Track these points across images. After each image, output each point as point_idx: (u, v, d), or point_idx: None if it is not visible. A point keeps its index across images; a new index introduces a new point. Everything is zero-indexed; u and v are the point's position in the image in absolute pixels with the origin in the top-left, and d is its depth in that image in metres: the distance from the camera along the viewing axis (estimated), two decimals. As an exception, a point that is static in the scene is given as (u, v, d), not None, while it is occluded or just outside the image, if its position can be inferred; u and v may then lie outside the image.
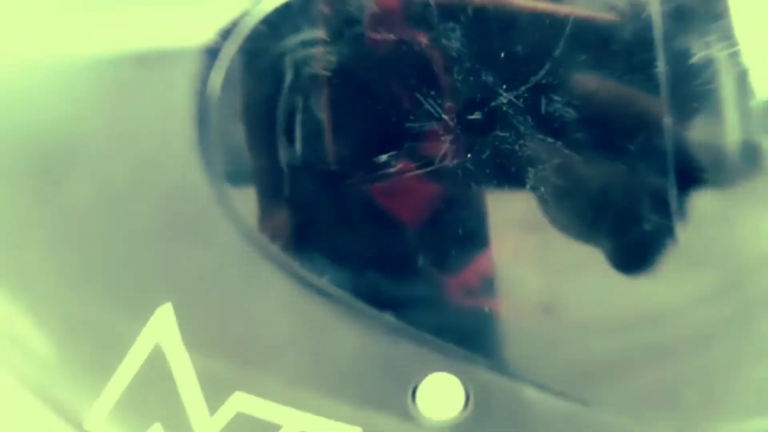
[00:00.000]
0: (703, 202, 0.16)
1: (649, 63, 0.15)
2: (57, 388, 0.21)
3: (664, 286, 0.17)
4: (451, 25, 0.14)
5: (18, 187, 0.18)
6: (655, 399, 0.18)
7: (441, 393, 0.17)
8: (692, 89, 0.15)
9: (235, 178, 0.15)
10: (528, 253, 0.16)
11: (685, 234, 0.16)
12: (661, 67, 0.14)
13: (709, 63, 0.15)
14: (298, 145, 0.15)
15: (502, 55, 0.14)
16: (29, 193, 0.17)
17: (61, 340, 0.20)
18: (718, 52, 0.15)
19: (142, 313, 0.17)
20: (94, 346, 0.19)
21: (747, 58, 0.16)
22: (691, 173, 0.16)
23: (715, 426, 0.18)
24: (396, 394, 0.17)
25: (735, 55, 0.15)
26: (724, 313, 0.18)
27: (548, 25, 0.15)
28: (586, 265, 0.16)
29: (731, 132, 0.15)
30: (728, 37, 0.15)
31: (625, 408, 0.17)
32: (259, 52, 0.15)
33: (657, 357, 0.17)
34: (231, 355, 0.18)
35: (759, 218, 0.17)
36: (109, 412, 0.21)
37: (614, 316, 0.17)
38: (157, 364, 0.18)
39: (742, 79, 0.15)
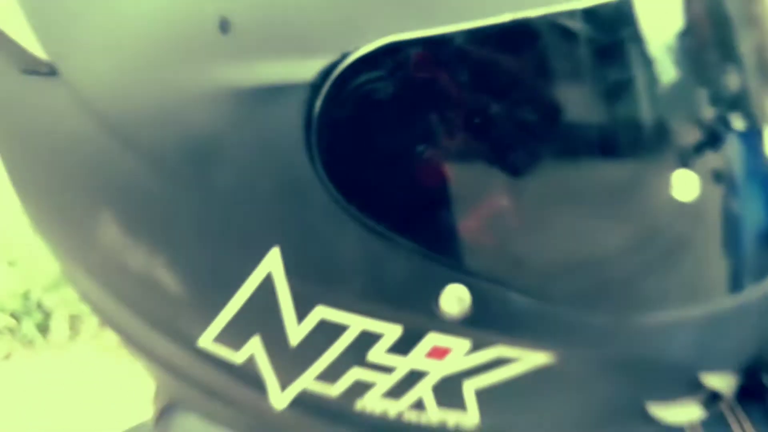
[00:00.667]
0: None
1: None
2: (180, 319, 0.30)
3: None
4: None
5: (173, 174, 0.26)
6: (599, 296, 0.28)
7: (455, 298, 0.27)
8: None
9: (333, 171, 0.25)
10: None
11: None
12: None
13: None
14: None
15: None
16: (182, 177, 0.26)
17: (192, 282, 0.28)
18: None
19: (258, 256, 0.27)
20: (216, 284, 0.28)
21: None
22: None
23: (645, 314, 0.29)
24: (425, 301, 0.27)
25: None
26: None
27: None
28: None
29: None
30: None
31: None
32: (353, 88, 0.24)
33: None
34: (317, 281, 0.27)
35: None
36: (219, 331, 0.30)
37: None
38: (263, 292, 0.28)
39: None
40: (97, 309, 0.34)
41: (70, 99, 0.26)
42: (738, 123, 0.30)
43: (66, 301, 1.83)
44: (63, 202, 0.30)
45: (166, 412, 0.41)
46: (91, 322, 1.83)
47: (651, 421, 0.34)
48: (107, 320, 0.34)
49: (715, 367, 0.34)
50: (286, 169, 0.25)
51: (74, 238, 0.31)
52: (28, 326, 1.82)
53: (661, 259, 0.28)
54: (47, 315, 1.84)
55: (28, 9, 0.28)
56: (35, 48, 0.27)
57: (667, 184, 0.26)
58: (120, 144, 0.26)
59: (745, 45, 0.31)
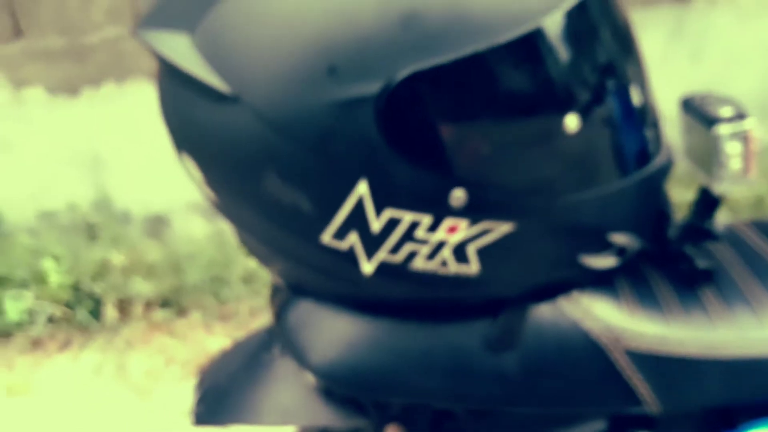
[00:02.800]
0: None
1: None
2: (311, 226, 0.53)
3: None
4: None
5: (309, 148, 0.50)
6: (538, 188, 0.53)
7: (457, 197, 0.51)
8: None
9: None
10: None
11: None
12: None
13: None
14: None
15: None
16: (314, 149, 0.50)
17: (319, 202, 0.52)
18: None
19: (354, 184, 0.50)
20: (332, 202, 0.52)
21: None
22: None
23: (568, 196, 0.53)
24: (443, 200, 0.51)
25: None
26: None
27: None
28: None
29: None
30: None
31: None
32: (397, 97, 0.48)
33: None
34: (387, 195, 0.51)
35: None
36: (333, 231, 0.53)
37: None
38: (359, 204, 0.51)
39: None
40: (247, 229, 0.58)
41: (250, 115, 0.50)
42: (610, 81, 0.54)
43: (113, 287, 2.08)
44: (240, 176, 0.53)
45: (282, 301, 0.65)
46: (138, 304, 2.08)
47: (584, 268, 0.59)
48: (255, 234, 0.57)
49: (618, 228, 0.58)
50: (367, 139, 0.49)
51: (246, 193, 0.54)
52: (82, 313, 2.07)
53: (571, 163, 0.52)
54: (98, 302, 2.09)
55: (206, 54, 0.51)
56: (217, 83, 0.51)
57: (561, 123, 0.51)
58: (281, 137, 0.50)
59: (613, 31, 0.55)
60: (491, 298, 0.58)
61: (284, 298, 0.64)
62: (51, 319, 2.06)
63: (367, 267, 0.54)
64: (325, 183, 0.51)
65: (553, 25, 0.51)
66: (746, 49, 2.49)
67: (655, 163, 0.59)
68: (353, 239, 0.53)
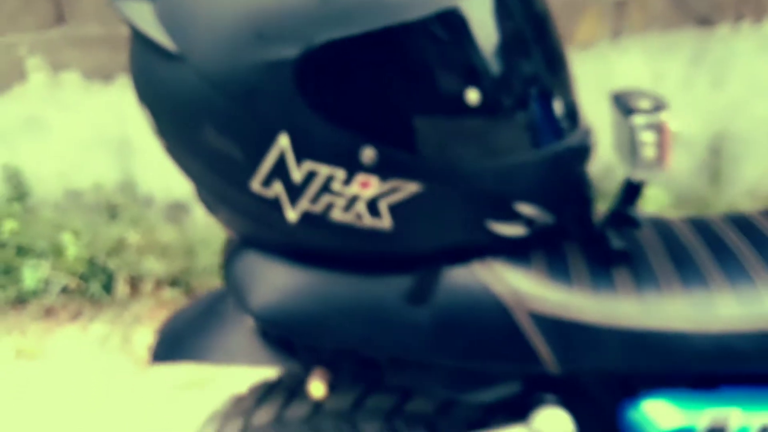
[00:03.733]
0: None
1: None
2: (240, 174, 0.61)
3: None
4: None
5: (241, 102, 0.58)
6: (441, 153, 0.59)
7: (368, 154, 0.58)
8: None
9: None
10: None
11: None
12: None
13: None
14: None
15: None
16: (245, 102, 0.58)
17: (247, 151, 0.60)
18: None
19: (276, 136, 0.58)
20: (258, 151, 0.59)
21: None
22: None
23: (474, 162, 0.60)
24: (354, 156, 0.58)
25: None
26: None
27: None
28: None
29: None
30: None
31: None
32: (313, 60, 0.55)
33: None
34: (305, 148, 0.58)
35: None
36: (260, 179, 0.61)
37: None
38: (281, 155, 0.59)
39: None
40: (194, 177, 0.66)
41: (192, 72, 0.58)
42: (516, 63, 0.61)
43: (126, 264, 2.19)
44: (184, 125, 0.61)
45: (231, 250, 0.72)
46: (149, 281, 2.18)
47: (494, 234, 0.65)
48: (200, 183, 0.65)
49: (524, 199, 0.64)
50: (287, 97, 0.56)
51: (189, 141, 0.62)
52: (95, 287, 2.18)
53: (472, 133, 0.59)
54: (110, 277, 2.20)
55: (162, 19, 0.60)
56: (168, 43, 0.59)
57: (462, 96, 0.58)
58: (216, 91, 0.57)
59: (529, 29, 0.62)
60: (406, 254, 0.64)
61: (231, 249, 0.72)
62: (65, 290, 2.17)
63: (291, 214, 0.61)
64: (251, 134, 0.58)
65: (459, 7, 0.58)
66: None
67: (563, 142, 0.65)
68: (278, 188, 0.60)
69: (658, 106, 0.66)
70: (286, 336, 0.70)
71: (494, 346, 0.65)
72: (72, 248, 2.18)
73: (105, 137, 2.43)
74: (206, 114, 0.58)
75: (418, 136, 0.58)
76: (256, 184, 0.61)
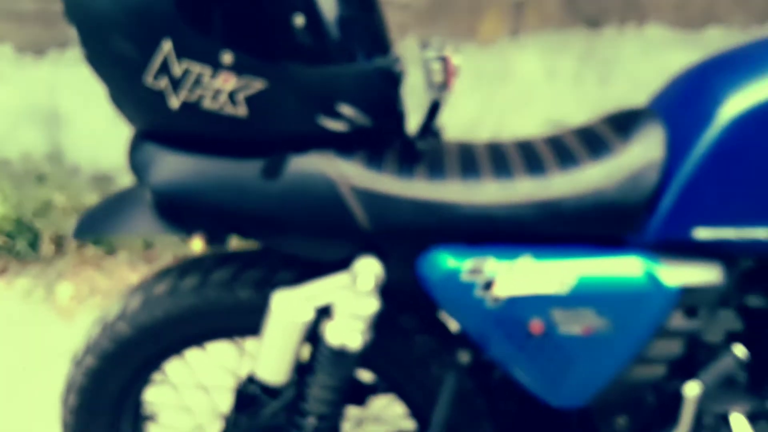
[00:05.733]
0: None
1: None
2: (141, 74, 0.87)
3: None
4: None
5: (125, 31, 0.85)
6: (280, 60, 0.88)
7: (227, 58, 0.86)
8: None
9: None
10: None
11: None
12: None
13: None
14: None
15: None
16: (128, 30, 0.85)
17: (141, 56, 0.86)
18: None
19: (161, 41, 0.85)
20: (150, 54, 0.86)
21: None
22: None
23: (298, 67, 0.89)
24: (216, 55, 0.86)
25: None
26: None
27: None
28: None
29: None
30: None
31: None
32: None
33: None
34: (182, 50, 0.86)
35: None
36: (152, 73, 0.87)
37: None
38: (168, 56, 0.86)
39: None
40: (106, 80, 0.92)
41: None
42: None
43: (52, 224, 2.39)
44: (98, 36, 0.88)
45: (133, 143, 0.98)
46: (72, 241, 2.39)
47: (322, 128, 0.93)
48: (111, 84, 0.92)
49: (345, 101, 0.92)
50: (169, 14, 0.84)
51: (102, 48, 0.89)
52: (21, 244, 2.38)
53: (301, 46, 0.87)
54: (36, 235, 2.40)
55: None
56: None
57: (292, 19, 0.86)
58: (122, 10, 0.83)
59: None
60: (260, 140, 0.92)
61: (134, 141, 0.98)
62: (-8, 246, 2.36)
63: (175, 102, 0.88)
64: (145, 40, 0.85)
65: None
66: (650, 75, 2.88)
67: (373, 61, 0.93)
68: (164, 82, 0.87)
69: (443, 46, 0.95)
70: (176, 207, 0.96)
71: (325, 210, 0.93)
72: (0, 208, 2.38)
73: (35, 109, 2.63)
74: (114, 26, 0.85)
75: (262, 46, 0.86)
76: (149, 78, 0.87)
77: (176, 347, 1.14)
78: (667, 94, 1.04)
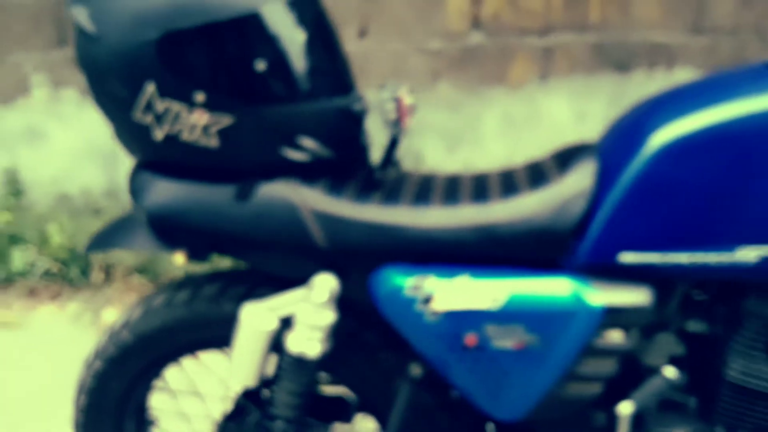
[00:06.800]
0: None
1: None
2: (130, 111, 1.04)
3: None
4: None
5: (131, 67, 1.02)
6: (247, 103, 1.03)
7: (200, 97, 1.01)
8: None
9: None
10: None
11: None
12: None
13: None
14: None
15: None
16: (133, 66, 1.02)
17: (127, 97, 1.03)
18: None
19: (145, 84, 1.01)
20: (134, 95, 1.03)
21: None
22: None
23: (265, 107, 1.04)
24: (189, 94, 1.02)
25: None
26: None
27: None
28: None
29: None
30: None
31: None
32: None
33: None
34: (163, 93, 1.02)
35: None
36: (139, 111, 1.03)
37: None
38: (151, 96, 1.02)
39: None
40: (108, 118, 1.09)
41: (102, 48, 1.01)
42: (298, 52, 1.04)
43: (103, 254, 2.60)
44: (99, 81, 1.05)
45: (132, 172, 1.15)
46: (121, 269, 2.59)
47: (285, 159, 1.07)
48: (111, 121, 1.08)
49: (306, 134, 1.06)
50: (152, 62, 1.00)
51: (103, 91, 1.06)
52: (74, 272, 2.60)
53: (264, 88, 1.02)
54: (88, 264, 2.62)
55: (89, 13, 1.03)
56: (92, 29, 1.03)
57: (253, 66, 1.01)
58: (115, 59, 1.00)
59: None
60: (231, 168, 1.06)
61: (133, 171, 1.14)
62: (48, 273, 2.59)
63: (159, 134, 1.04)
64: (132, 82, 1.01)
65: (259, 13, 1.01)
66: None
67: (333, 100, 1.07)
68: (150, 117, 1.03)
69: (397, 87, 1.09)
70: (164, 226, 1.11)
71: (288, 231, 1.06)
72: (56, 237, 2.61)
73: (95, 149, 2.88)
74: (109, 71, 1.02)
75: (228, 87, 1.01)
76: (138, 114, 1.04)
77: (172, 355, 1.28)
78: (610, 129, 1.13)
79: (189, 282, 1.25)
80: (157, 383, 1.35)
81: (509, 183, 1.09)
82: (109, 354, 1.27)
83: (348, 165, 1.12)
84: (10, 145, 2.84)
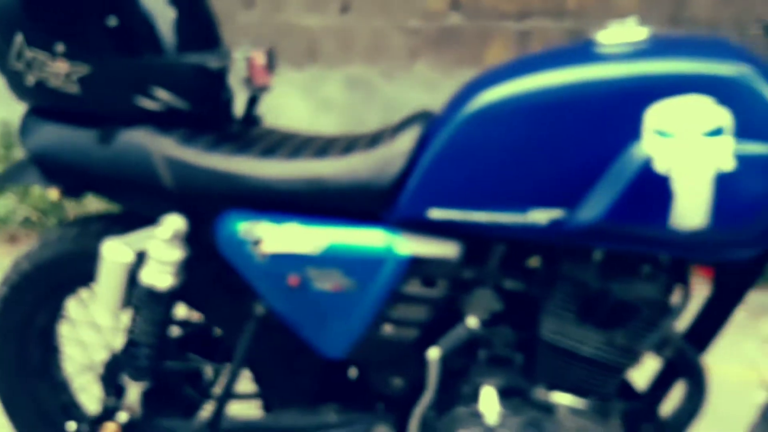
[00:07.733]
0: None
1: None
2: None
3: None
4: None
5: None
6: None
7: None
8: None
9: None
10: None
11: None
12: None
13: None
14: None
15: None
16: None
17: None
18: None
19: (14, 34, 1.14)
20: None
21: None
22: None
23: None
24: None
25: None
26: None
27: None
28: None
29: None
30: None
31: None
32: None
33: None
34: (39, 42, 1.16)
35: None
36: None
37: None
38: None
39: None
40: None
41: None
42: None
43: (79, 204, 2.79)
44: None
45: (23, 117, 1.28)
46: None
47: (140, 108, 1.18)
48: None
49: (159, 85, 1.17)
50: (19, 16, 1.13)
51: None
52: (51, 220, 2.78)
53: (117, 39, 1.14)
54: (63, 212, 2.80)
55: None
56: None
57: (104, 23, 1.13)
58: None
59: None
60: (95, 113, 1.19)
61: (23, 116, 1.28)
62: (27, 220, 2.79)
63: (31, 79, 1.17)
64: (4, 33, 1.14)
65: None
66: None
67: (185, 56, 1.18)
68: (21, 63, 1.16)
69: (250, 50, 1.20)
70: (42, 165, 1.25)
71: (140, 174, 1.18)
72: (36, 189, 2.80)
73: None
74: None
75: (84, 39, 1.13)
76: (12, 61, 1.17)
77: (67, 285, 1.41)
78: (451, 97, 1.22)
79: (81, 220, 1.38)
80: (60, 313, 1.49)
81: (353, 144, 1.19)
82: (11, 281, 1.42)
83: (208, 118, 1.23)
84: (6, 98, 3.03)
